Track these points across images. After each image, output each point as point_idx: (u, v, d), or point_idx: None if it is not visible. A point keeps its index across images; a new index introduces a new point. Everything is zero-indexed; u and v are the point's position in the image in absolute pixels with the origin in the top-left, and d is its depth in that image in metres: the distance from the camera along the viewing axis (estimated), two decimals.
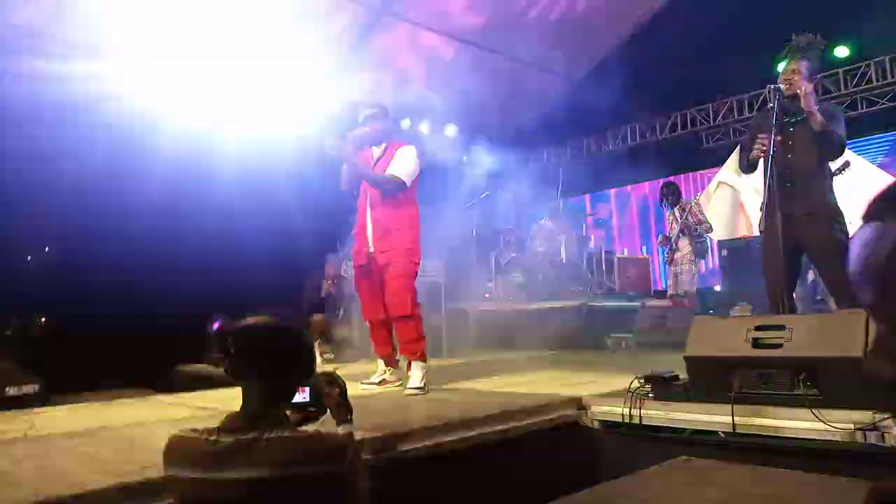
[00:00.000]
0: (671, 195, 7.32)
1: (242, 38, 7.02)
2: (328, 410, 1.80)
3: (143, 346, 6.05)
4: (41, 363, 4.96)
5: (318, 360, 5.56)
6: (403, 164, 3.81)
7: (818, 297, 6.93)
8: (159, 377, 5.83)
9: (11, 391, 4.35)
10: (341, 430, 1.79)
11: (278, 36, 7.15)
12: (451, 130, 9.74)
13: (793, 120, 3.72)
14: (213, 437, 1.50)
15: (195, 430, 1.54)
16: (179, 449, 1.53)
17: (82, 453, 2.35)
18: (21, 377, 4.50)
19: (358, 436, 1.60)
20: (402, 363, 3.99)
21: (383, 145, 3.94)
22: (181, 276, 6.51)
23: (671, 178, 9.16)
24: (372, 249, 3.84)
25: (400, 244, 3.78)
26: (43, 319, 6.48)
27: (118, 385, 5.37)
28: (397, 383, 3.93)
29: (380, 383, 3.91)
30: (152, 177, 6.20)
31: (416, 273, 3.89)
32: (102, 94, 6.33)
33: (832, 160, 3.80)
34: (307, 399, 1.73)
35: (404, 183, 3.79)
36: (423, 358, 3.74)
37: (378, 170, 3.85)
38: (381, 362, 4.01)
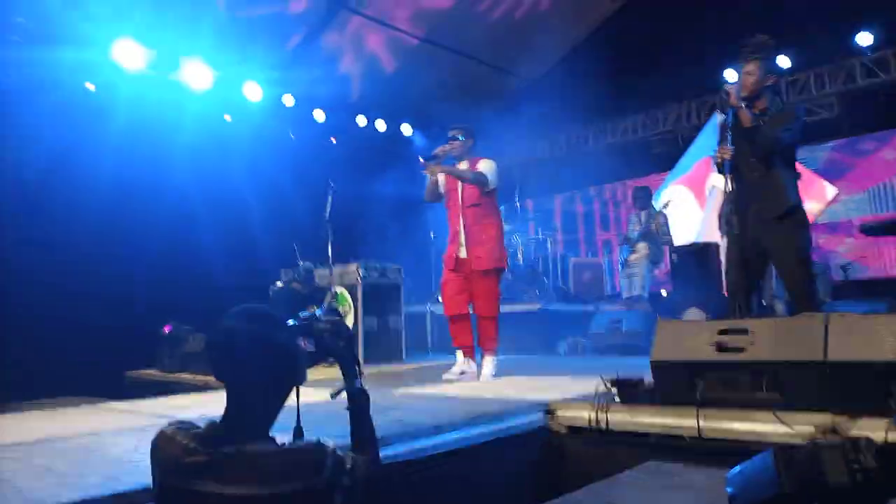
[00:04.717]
0: (643, 198, 7.44)
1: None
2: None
3: (90, 353, 5.80)
4: None
5: None
6: (487, 167, 4.40)
7: (763, 303, 7.15)
8: (107, 385, 5.58)
9: None
10: (348, 386, 1.70)
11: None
12: (406, 128, 9.64)
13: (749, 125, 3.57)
14: (192, 445, 1.41)
15: (182, 431, 1.45)
16: (163, 450, 1.45)
17: (36, 466, 2.22)
18: None
19: (331, 443, 1.52)
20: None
21: (465, 161, 4.51)
22: (131, 279, 6.26)
23: (641, 182, 9.17)
24: (465, 255, 4.37)
25: (490, 253, 4.35)
26: None
27: (62, 393, 5.13)
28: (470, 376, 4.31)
29: (461, 374, 4.30)
30: (102, 175, 5.95)
31: (502, 276, 4.59)
32: (52, 82, 6.06)
33: (767, 155, 3.57)
34: (311, 350, 1.65)
35: (487, 178, 4.35)
36: (496, 353, 4.42)
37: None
38: (459, 354, 4.42)
